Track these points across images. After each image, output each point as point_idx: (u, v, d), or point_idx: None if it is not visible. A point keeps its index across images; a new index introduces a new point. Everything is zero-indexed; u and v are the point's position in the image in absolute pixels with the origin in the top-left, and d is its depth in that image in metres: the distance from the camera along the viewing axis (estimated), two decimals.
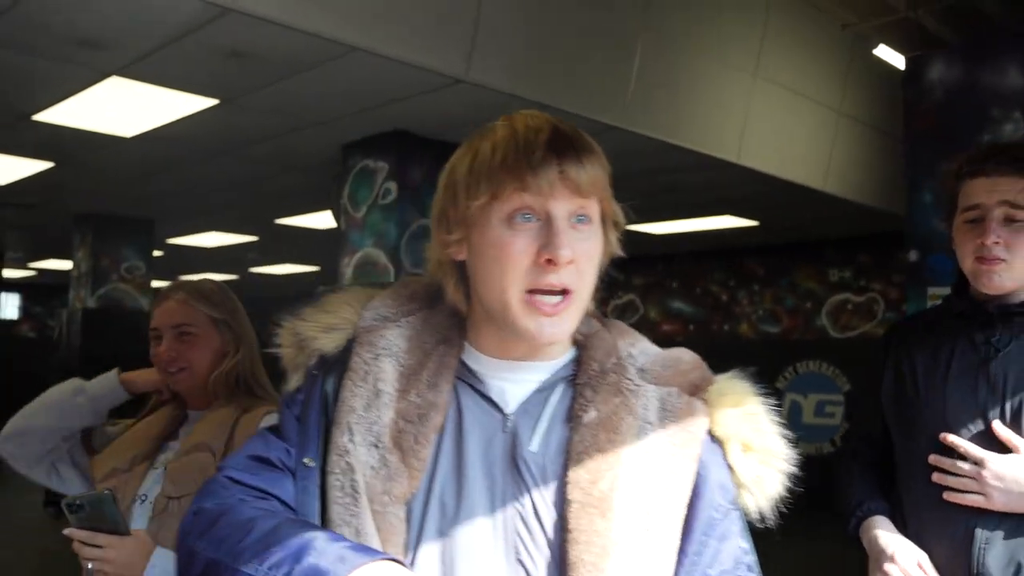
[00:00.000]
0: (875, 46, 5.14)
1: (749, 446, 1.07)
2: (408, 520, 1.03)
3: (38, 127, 5.05)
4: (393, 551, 1.00)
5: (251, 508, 1.02)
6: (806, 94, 5.78)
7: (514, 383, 1.09)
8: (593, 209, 1.05)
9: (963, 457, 1.65)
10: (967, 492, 1.64)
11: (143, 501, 1.86)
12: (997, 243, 1.65)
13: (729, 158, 5.29)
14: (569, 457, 1.03)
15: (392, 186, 5.06)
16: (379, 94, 4.43)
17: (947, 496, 1.65)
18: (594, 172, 1.03)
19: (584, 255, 1.03)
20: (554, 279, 1.00)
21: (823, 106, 5.95)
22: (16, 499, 8.72)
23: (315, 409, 1.10)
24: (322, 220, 7.91)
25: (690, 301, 10.64)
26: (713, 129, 5.16)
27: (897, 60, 4.83)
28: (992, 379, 1.68)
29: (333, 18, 3.54)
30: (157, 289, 9.41)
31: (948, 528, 1.67)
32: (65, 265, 10.77)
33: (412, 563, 1.01)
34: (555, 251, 0.99)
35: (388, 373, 1.09)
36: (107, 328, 7.95)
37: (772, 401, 1.11)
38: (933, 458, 1.68)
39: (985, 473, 1.61)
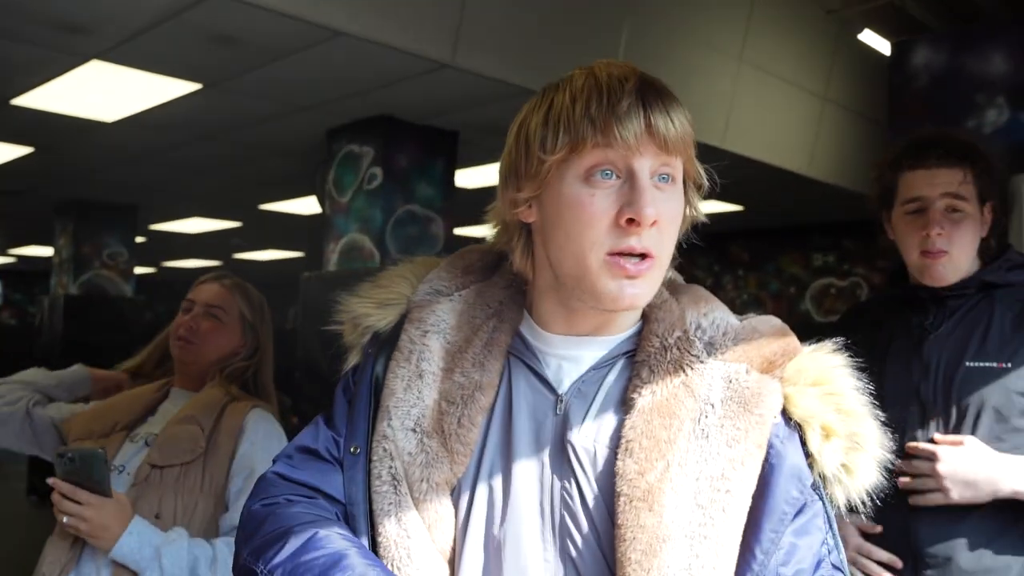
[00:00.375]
0: (860, 31, 5.15)
1: (831, 430, 0.94)
2: (456, 506, 0.99)
3: (17, 112, 4.98)
4: (441, 539, 0.97)
5: (292, 513, 0.98)
6: (791, 79, 5.79)
7: (572, 361, 1.01)
8: (677, 168, 0.97)
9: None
10: (928, 493, 1.67)
11: (120, 471, 1.86)
12: (940, 235, 1.70)
13: (714, 143, 5.29)
14: (619, 445, 0.94)
15: (378, 171, 5.03)
16: (365, 79, 4.39)
17: (912, 500, 1.69)
18: (683, 127, 0.95)
19: (667, 217, 0.94)
20: (635, 242, 0.92)
21: (808, 91, 5.96)
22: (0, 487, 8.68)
23: (364, 392, 1.05)
24: (307, 206, 7.86)
25: None
26: (698, 114, 5.10)
27: (881, 46, 4.84)
28: (925, 360, 1.73)
29: (318, 2, 3.51)
30: (141, 275, 9.36)
31: (891, 507, 1.72)
32: (46, 252, 10.69)
33: (460, 551, 0.97)
34: (639, 211, 0.91)
35: (434, 351, 1.04)
36: (89, 315, 7.89)
37: (866, 378, 0.98)
38: (897, 465, 1.71)
39: (939, 468, 1.65)
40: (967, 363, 1.69)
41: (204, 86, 4.50)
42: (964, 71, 3.82)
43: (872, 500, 0.97)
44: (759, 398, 0.94)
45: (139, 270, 9.23)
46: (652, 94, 0.94)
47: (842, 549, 0.97)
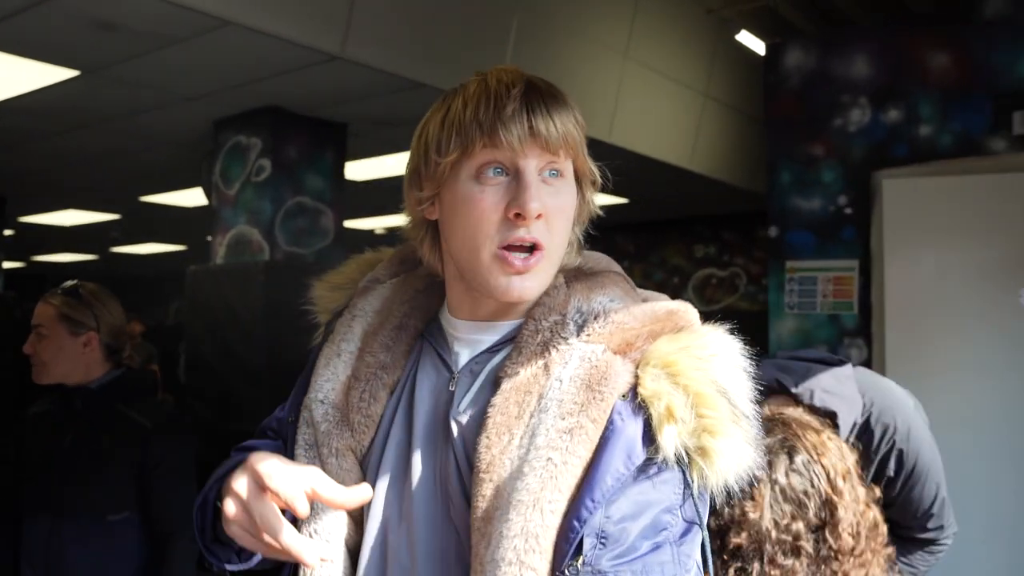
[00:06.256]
0: (737, 32, 5.37)
1: (673, 413, 0.94)
2: (366, 472, 1.09)
3: None
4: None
5: (230, 462, 1.11)
6: (674, 76, 5.99)
7: (473, 344, 1.09)
8: (565, 165, 1.04)
9: None
10: None
11: None
12: None
13: (601, 137, 5.42)
14: (482, 422, 1.00)
15: (266, 163, 4.96)
16: (253, 69, 4.32)
17: None
18: (565, 128, 1.02)
19: (555, 210, 1.02)
20: (524, 234, 0.99)
21: (690, 88, 6.17)
22: None
23: (309, 368, 1.18)
24: (190, 198, 7.65)
25: None
26: (586, 109, 5.13)
27: (758, 46, 5.07)
28: None
29: None
30: (9, 271, 8.86)
31: None
32: None
33: (367, 514, 1.07)
34: (524, 205, 0.98)
35: (355, 333, 1.15)
36: None
37: (743, 361, 0.99)
38: None
39: None
40: None
41: (82, 73, 4.34)
42: (831, 73, 4.06)
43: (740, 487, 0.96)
44: (605, 377, 0.97)
45: (7, 264, 8.76)
46: (536, 99, 1.01)
47: (686, 525, 0.96)
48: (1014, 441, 3.41)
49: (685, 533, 0.96)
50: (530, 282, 1.01)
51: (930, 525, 1.85)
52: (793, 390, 1.73)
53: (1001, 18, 3.74)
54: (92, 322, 2.27)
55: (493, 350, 1.08)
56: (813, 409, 1.70)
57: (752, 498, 1.47)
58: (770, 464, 1.51)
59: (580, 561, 0.90)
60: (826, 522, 1.48)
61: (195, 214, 8.19)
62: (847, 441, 1.68)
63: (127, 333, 2.39)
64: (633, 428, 0.95)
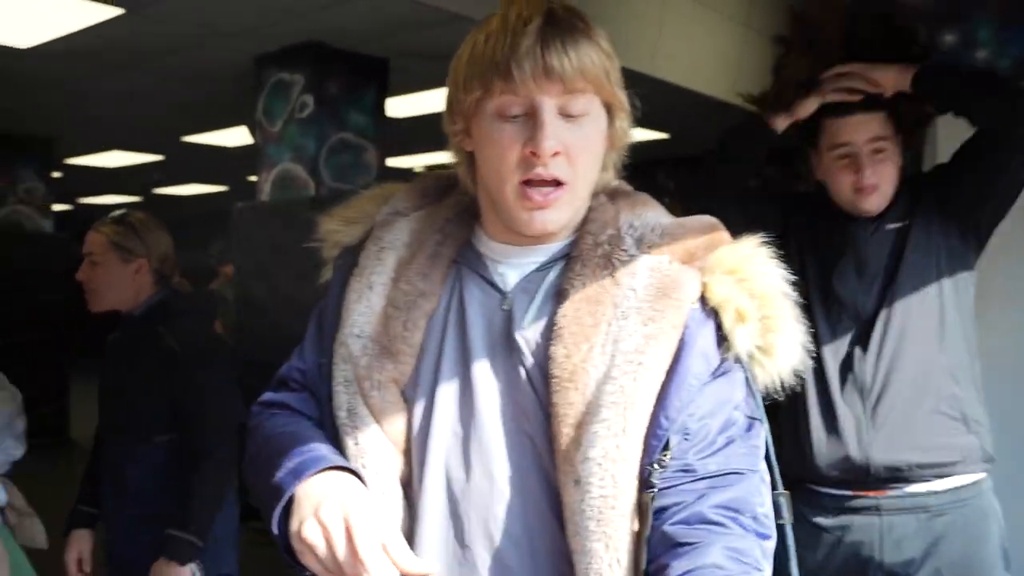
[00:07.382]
0: None
1: (744, 314, 1.01)
2: (412, 402, 1.09)
3: None
4: (393, 431, 1.08)
5: (269, 427, 1.14)
6: (715, 7, 5.87)
7: (516, 266, 1.10)
8: (586, 100, 1.03)
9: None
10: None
11: None
12: (872, 177, 1.89)
13: (643, 70, 5.35)
14: (553, 332, 1.03)
15: (309, 99, 4.97)
16: (295, 4, 4.32)
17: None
18: (582, 63, 1.00)
19: (575, 147, 1.02)
20: (542, 171, 1.01)
21: (732, 20, 6.05)
22: None
23: (332, 305, 1.16)
24: (231, 137, 7.71)
25: None
26: (628, 40, 5.19)
27: None
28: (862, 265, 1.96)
29: None
30: (59, 212, 9.02)
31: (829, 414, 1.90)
32: None
33: (426, 443, 1.07)
34: (538, 144, 0.99)
35: (386, 265, 1.13)
36: (9, 251, 7.66)
37: (785, 268, 1.04)
38: None
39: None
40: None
41: (126, 11, 4.37)
42: None
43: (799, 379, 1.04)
44: (677, 285, 1.02)
45: (57, 207, 8.93)
46: (552, 34, 1.00)
47: (752, 419, 1.04)
48: None
49: (750, 428, 1.03)
50: (552, 215, 1.04)
51: None
52: None
53: None
54: (142, 249, 2.34)
55: (543, 269, 1.10)
56: None
57: None
58: None
59: (668, 456, 0.97)
60: None
61: (237, 153, 8.25)
62: None
63: (175, 260, 2.45)
64: (706, 332, 1.02)
